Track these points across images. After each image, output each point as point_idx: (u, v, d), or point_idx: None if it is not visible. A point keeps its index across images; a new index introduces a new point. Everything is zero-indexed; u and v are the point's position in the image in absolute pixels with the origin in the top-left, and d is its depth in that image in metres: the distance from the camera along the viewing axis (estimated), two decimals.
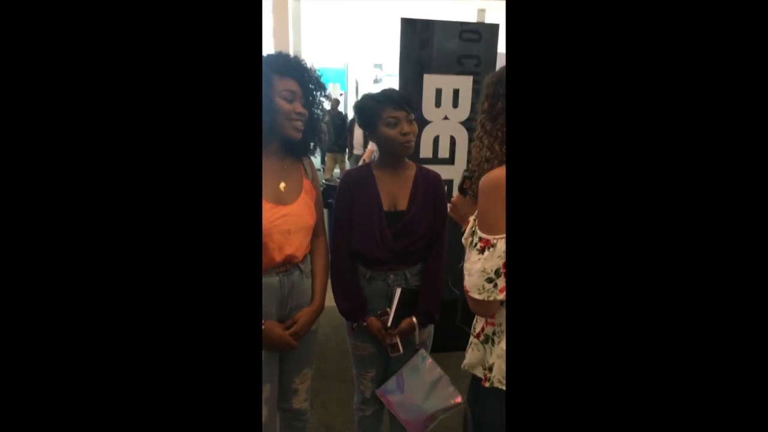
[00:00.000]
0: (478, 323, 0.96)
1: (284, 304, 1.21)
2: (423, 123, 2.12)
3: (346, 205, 1.30)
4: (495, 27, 2.19)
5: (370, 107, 1.24)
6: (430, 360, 1.33)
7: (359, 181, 1.30)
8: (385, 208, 1.28)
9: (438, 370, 1.32)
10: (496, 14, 3.52)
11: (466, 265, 0.86)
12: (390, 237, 1.26)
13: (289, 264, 1.20)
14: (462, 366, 0.99)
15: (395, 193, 1.30)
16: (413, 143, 1.25)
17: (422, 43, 2.09)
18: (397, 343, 1.28)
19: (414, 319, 1.29)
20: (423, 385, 1.32)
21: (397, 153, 1.26)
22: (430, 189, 1.31)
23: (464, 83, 2.15)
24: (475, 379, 0.98)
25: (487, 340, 0.93)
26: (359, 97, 1.30)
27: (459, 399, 1.31)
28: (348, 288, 1.30)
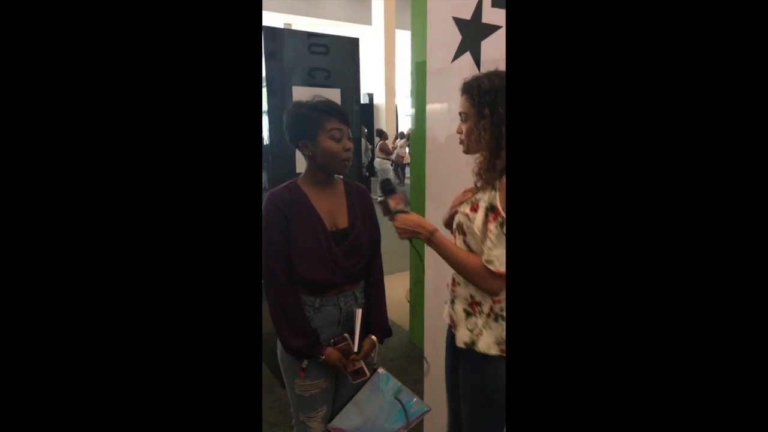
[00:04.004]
0: (485, 305, 1.04)
1: None
2: None
3: (281, 230, 1.14)
4: (353, 41, 2.23)
5: (309, 116, 1.12)
6: (393, 378, 1.27)
7: (290, 201, 1.16)
8: (327, 227, 1.18)
9: (398, 384, 1.28)
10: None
11: (493, 245, 0.95)
12: (342, 258, 1.16)
13: None
14: (478, 349, 1.04)
15: (332, 210, 1.20)
16: (351, 161, 1.18)
17: (275, 53, 1.99)
18: (362, 367, 1.19)
19: (374, 338, 1.23)
20: (385, 404, 1.26)
21: (334, 169, 1.17)
22: (364, 202, 1.26)
23: (333, 95, 2.13)
24: (489, 359, 1.03)
25: (497, 318, 1.03)
26: (291, 105, 1.16)
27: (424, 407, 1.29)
28: (299, 323, 1.15)
